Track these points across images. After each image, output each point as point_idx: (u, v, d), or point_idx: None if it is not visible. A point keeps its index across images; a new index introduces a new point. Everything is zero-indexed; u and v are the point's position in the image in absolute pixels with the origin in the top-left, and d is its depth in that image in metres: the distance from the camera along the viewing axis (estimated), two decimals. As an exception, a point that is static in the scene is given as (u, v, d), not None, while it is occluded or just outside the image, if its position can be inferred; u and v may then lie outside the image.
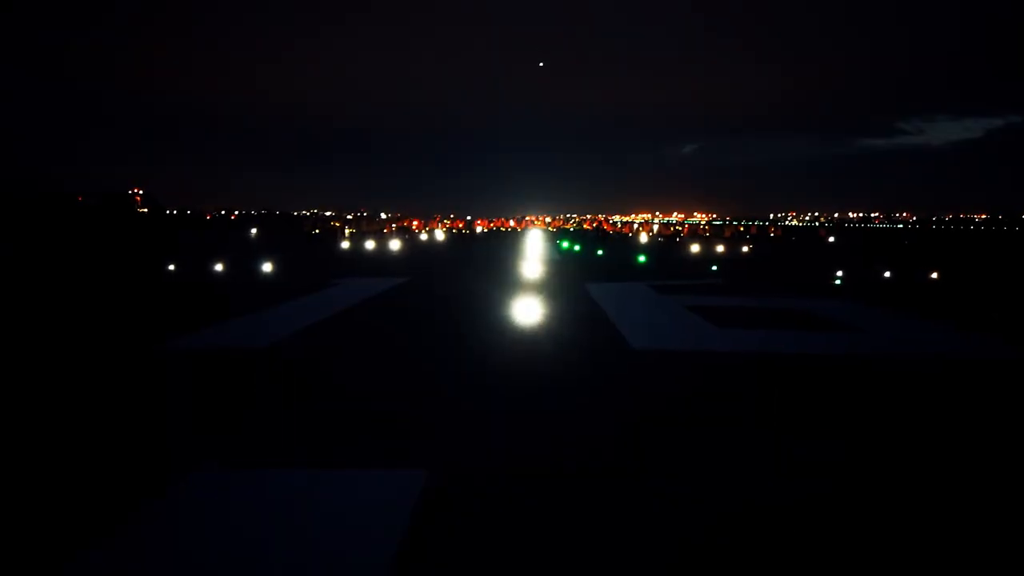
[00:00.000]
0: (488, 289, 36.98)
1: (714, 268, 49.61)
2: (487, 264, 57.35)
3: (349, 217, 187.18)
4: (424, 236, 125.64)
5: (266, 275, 46.57)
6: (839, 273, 46.94)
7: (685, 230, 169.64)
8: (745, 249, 77.48)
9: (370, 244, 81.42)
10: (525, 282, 41.21)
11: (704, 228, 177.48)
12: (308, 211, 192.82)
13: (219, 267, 48.73)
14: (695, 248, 77.36)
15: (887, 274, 47.64)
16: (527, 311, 27.84)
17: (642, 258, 57.72)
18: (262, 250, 74.19)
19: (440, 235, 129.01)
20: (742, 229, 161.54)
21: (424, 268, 52.39)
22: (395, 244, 79.95)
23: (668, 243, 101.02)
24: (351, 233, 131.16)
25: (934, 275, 47.46)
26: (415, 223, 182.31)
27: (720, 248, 76.98)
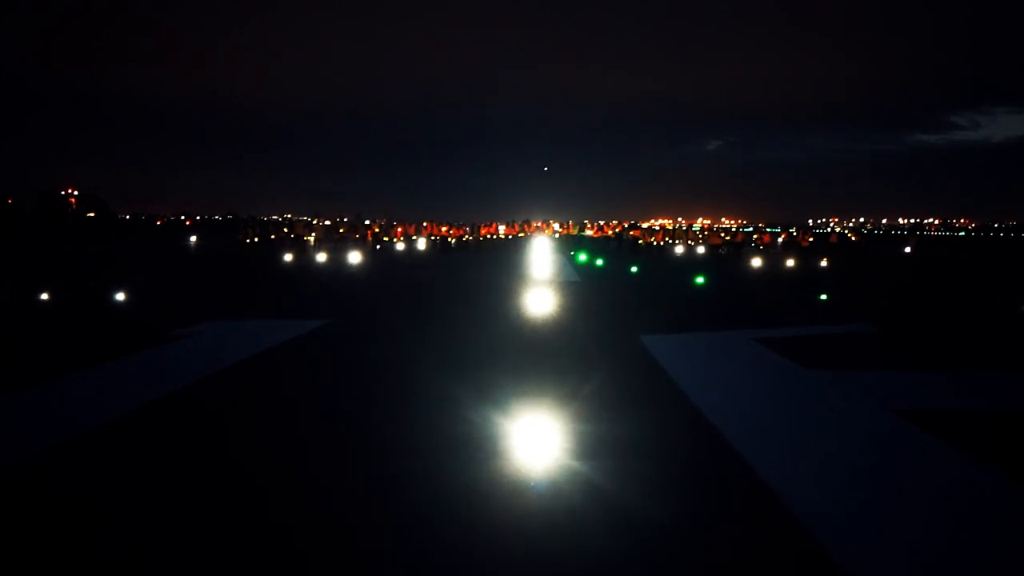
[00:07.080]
0: (458, 357, 19.46)
1: (823, 297, 32.18)
2: (471, 290, 39.41)
3: (328, 223, 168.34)
4: (401, 246, 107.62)
5: (113, 307, 29.17)
6: None
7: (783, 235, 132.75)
8: (824, 263, 59.33)
9: (321, 256, 63.45)
10: (529, 335, 23.60)
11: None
12: (280, 216, 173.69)
13: (46, 295, 31.21)
14: (757, 262, 59.19)
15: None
16: (538, 462, 10.39)
17: (700, 279, 39.96)
18: (168, 265, 56.84)
19: (422, 244, 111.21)
20: (812, 238, 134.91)
21: (366, 299, 34.13)
22: (355, 257, 61.88)
23: (715, 254, 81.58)
24: (316, 241, 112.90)
25: None
26: (398, 230, 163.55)
27: (790, 262, 58.66)
